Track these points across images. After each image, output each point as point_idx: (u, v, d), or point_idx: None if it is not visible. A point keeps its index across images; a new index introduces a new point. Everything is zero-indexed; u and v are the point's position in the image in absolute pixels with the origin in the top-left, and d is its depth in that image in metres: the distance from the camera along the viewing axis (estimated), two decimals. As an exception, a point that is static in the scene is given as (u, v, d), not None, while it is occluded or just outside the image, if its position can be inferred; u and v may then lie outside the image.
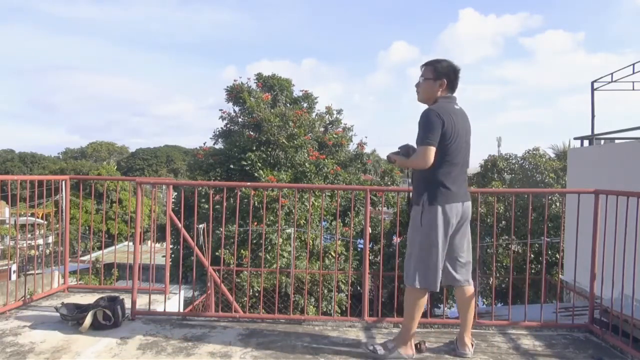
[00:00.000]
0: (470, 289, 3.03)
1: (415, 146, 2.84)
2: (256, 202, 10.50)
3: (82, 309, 3.44)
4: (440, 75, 2.89)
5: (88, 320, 3.28)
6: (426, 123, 2.78)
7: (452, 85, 2.94)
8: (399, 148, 2.99)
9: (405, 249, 3.01)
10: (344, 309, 10.26)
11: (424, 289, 2.89)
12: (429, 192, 2.84)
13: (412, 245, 2.92)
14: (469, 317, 3.06)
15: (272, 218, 10.97)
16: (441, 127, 2.75)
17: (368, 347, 3.02)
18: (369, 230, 3.84)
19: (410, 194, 3.05)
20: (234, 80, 13.61)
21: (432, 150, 2.75)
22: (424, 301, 2.94)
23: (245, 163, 12.02)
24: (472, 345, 3.09)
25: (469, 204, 2.98)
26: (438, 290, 2.93)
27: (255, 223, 10.65)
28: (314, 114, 14.65)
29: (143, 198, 3.72)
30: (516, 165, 17.92)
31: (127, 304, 3.68)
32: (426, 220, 2.84)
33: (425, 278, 2.86)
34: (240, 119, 13.46)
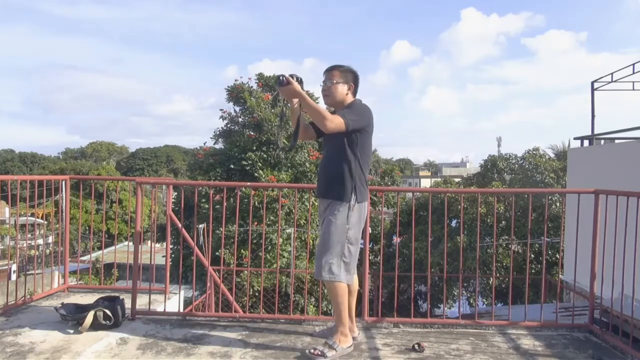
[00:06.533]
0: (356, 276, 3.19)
1: (301, 78, 2.88)
2: (256, 202, 10.50)
3: (82, 309, 3.44)
4: (349, 80, 2.99)
5: (88, 320, 3.28)
6: (360, 111, 2.90)
7: (356, 90, 3.05)
8: (290, 75, 2.87)
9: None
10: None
11: (346, 282, 2.97)
12: (357, 188, 2.93)
13: (336, 241, 2.87)
14: (354, 302, 3.20)
15: (272, 218, 10.98)
16: (366, 125, 2.91)
17: (312, 352, 2.90)
18: (369, 230, 3.85)
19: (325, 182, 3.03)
20: (235, 80, 13.57)
21: (344, 129, 2.80)
22: (347, 291, 3.00)
23: (245, 163, 12.02)
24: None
25: None
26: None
27: (256, 223, 10.65)
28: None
29: (143, 198, 3.72)
30: (516, 165, 17.94)
31: (127, 304, 3.68)
32: (355, 217, 2.93)
33: (348, 272, 2.95)
34: (240, 119, 13.44)
